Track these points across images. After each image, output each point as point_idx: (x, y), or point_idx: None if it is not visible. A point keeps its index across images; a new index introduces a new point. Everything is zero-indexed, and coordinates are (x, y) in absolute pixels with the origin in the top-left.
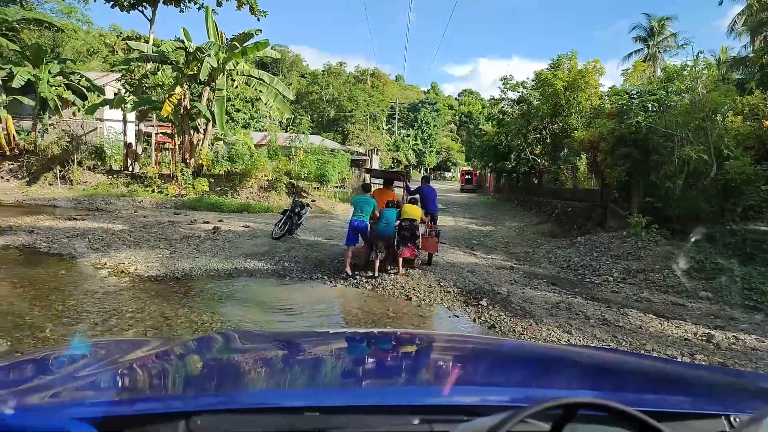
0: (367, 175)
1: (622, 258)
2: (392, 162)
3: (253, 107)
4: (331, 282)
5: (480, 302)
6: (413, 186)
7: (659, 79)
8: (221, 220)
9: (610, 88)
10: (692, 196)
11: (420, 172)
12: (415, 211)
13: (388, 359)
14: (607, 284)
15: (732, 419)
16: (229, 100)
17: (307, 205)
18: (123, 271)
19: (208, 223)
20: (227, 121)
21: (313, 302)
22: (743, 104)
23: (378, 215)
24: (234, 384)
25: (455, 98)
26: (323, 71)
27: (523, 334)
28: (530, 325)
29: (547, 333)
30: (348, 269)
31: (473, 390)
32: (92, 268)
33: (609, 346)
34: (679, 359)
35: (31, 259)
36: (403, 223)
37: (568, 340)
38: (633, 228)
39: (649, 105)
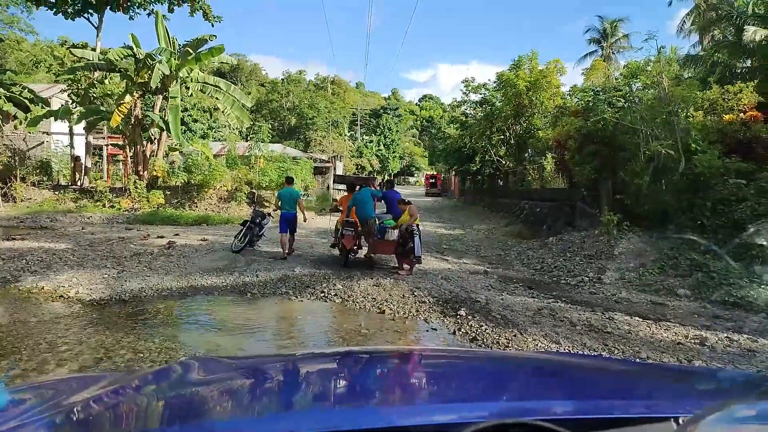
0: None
1: (595, 257)
2: (356, 168)
3: (211, 117)
4: (296, 297)
5: (458, 312)
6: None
7: (622, 75)
8: (177, 234)
9: (571, 87)
10: (661, 191)
11: (384, 177)
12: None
13: (358, 379)
14: (584, 285)
15: (680, 420)
16: (185, 110)
17: (269, 215)
18: (62, 296)
19: (162, 237)
20: (184, 132)
21: (278, 320)
22: (703, 99)
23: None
24: (194, 419)
25: (416, 104)
26: (283, 79)
27: (508, 347)
28: (515, 335)
29: (534, 344)
30: (284, 253)
31: (444, 408)
32: (27, 293)
33: (600, 354)
34: (674, 364)
35: None
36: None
37: (557, 351)
38: (604, 226)
39: (615, 101)
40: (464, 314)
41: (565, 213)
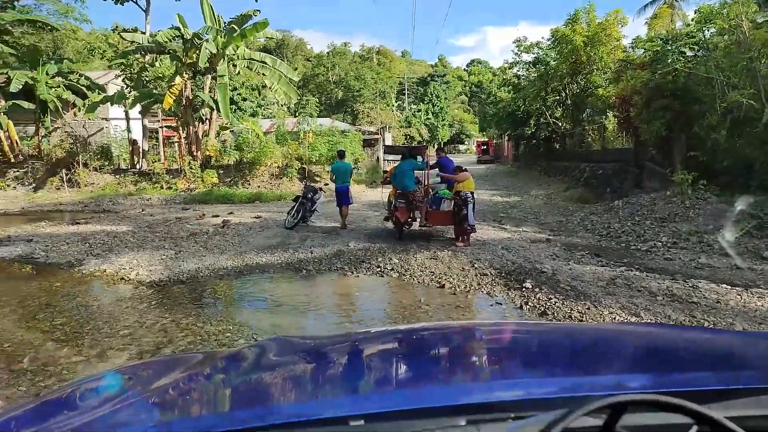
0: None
1: (668, 220)
2: (405, 138)
3: (260, 95)
4: (352, 272)
5: (523, 284)
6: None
7: (694, 21)
8: (231, 213)
9: (634, 39)
10: (742, 146)
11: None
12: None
13: (430, 356)
14: (657, 251)
15: None
16: (234, 89)
17: (321, 189)
18: (123, 278)
19: (217, 216)
20: (234, 111)
21: (335, 297)
22: None
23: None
24: (271, 398)
25: (464, 69)
26: (328, 53)
27: (581, 320)
28: (588, 308)
29: (610, 317)
30: (343, 225)
31: (519, 383)
32: (90, 277)
33: (677, 323)
34: None
35: (26, 272)
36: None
37: (638, 322)
38: (678, 186)
39: (687, 50)
40: (530, 286)
41: (632, 174)
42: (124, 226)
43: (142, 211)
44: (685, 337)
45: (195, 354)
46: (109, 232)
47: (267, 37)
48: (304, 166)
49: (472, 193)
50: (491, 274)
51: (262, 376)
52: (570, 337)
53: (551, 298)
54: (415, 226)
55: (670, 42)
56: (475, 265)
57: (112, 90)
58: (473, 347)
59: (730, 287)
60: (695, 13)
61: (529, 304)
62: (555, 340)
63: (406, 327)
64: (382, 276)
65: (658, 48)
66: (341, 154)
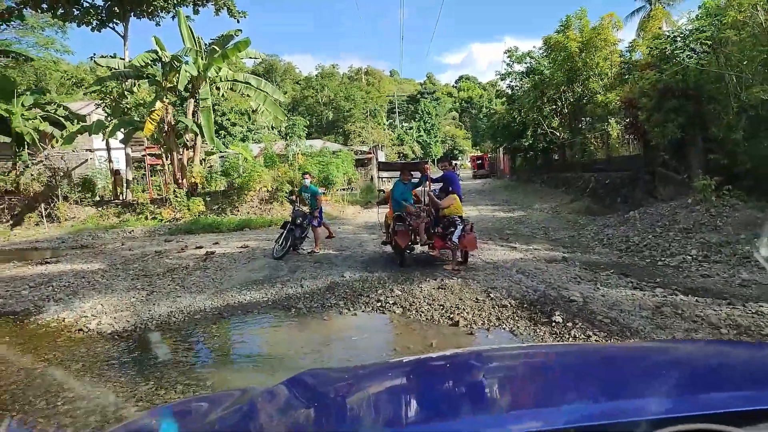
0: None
1: (694, 231)
2: (398, 156)
3: (250, 120)
4: (348, 309)
5: (552, 318)
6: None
7: (697, 18)
8: (217, 243)
9: (630, 42)
10: (766, 146)
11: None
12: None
13: (467, 385)
14: (689, 266)
15: None
16: (223, 114)
17: (311, 213)
18: (82, 329)
19: (201, 248)
20: (224, 136)
21: (329, 343)
22: None
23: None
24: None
25: (453, 85)
26: (316, 75)
27: None
28: None
29: None
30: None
31: (560, 410)
32: (45, 328)
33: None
34: None
35: None
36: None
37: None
38: (700, 193)
39: (697, 46)
40: (561, 320)
41: (643, 182)
42: (96, 263)
43: (122, 244)
44: (720, 351)
45: (233, 391)
46: (78, 272)
47: (250, 57)
48: (294, 189)
49: (460, 217)
50: (511, 305)
51: (300, 413)
52: (599, 358)
53: (590, 335)
54: (418, 248)
55: (679, 39)
56: (491, 295)
57: (95, 120)
58: (508, 373)
59: None
60: (699, 8)
61: (564, 343)
62: (583, 361)
63: (440, 354)
64: (384, 312)
65: (667, 45)
66: (306, 176)
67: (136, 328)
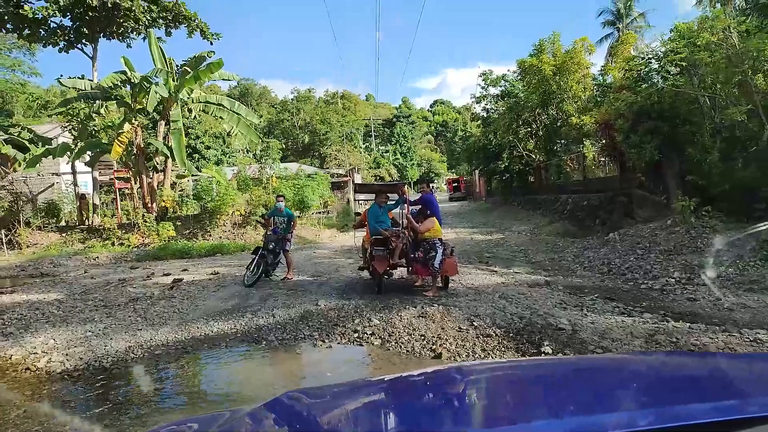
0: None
1: (675, 253)
2: (375, 179)
3: (224, 143)
4: (323, 341)
5: (541, 348)
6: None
7: (669, 40)
8: (185, 269)
9: (602, 66)
10: (741, 167)
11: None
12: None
13: (423, 405)
14: (673, 289)
15: None
16: (197, 137)
17: (285, 238)
18: (29, 368)
19: (168, 275)
20: (197, 159)
21: (301, 381)
22: None
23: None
24: None
25: (428, 110)
26: (292, 99)
27: None
28: None
29: None
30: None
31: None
32: None
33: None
34: None
35: None
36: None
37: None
38: (679, 214)
39: (671, 68)
40: (550, 351)
41: (620, 203)
42: (54, 293)
43: (85, 272)
44: (690, 363)
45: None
46: (33, 303)
47: (224, 78)
48: (265, 212)
49: (440, 239)
50: (497, 334)
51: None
52: (572, 372)
53: None
54: (396, 273)
55: (653, 61)
56: (475, 323)
57: (61, 143)
58: (488, 387)
59: None
60: (671, 31)
61: None
62: (556, 376)
63: (421, 371)
64: (361, 344)
65: (642, 67)
66: (277, 197)
67: (89, 367)
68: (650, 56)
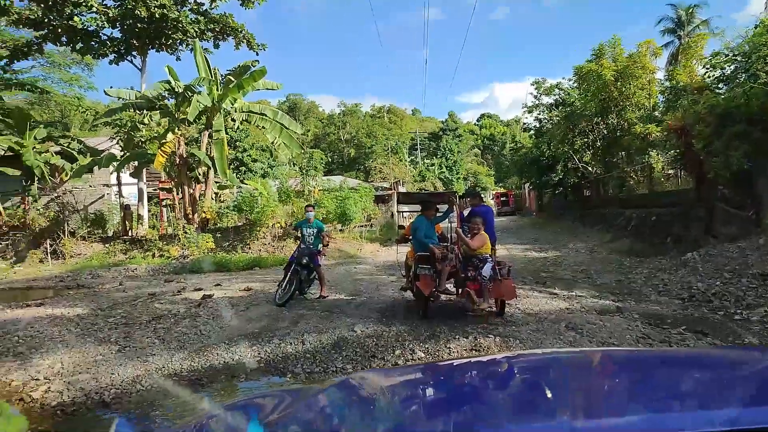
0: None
1: None
2: (420, 192)
3: (271, 156)
4: None
5: None
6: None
7: (761, 32)
8: (219, 284)
9: (669, 70)
10: None
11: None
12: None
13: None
14: None
15: None
16: (245, 150)
17: (319, 251)
18: (23, 398)
19: (200, 290)
20: (244, 172)
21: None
22: None
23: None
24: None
25: (475, 123)
26: (339, 113)
27: None
28: None
29: None
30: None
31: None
32: None
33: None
34: None
35: None
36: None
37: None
38: None
39: (760, 65)
40: None
41: (697, 219)
42: (80, 307)
43: (120, 284)
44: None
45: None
46: (54, 318)
47: (268, 88)
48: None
49: (490, 255)
50: None
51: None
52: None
53: None
54: (444, 297)
55: (740, 57)
56: None
57: (106, 153)
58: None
59: None
60: (755, 27)
61: None
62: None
63: (491, 357)
64: None
65: (729, 64)
66: (307, 207)
67: (88, 400)
68: (736, 53)
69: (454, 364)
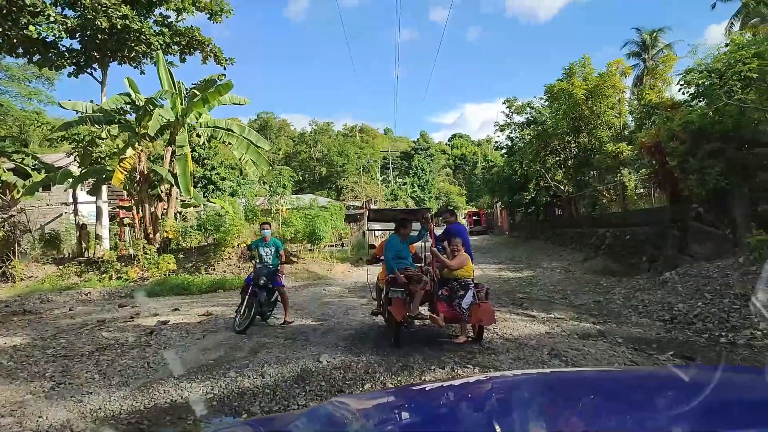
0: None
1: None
2: (393, 209)
3: (240, 174)
4: None
5: None
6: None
7: (732, 50)
8: (177, 309)
9: (638, 90)
10: None
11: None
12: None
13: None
14: (764, 345)
15: None
16: (213, 168)
17: (279, 271)
18: None
19: (156, 315)
20: (212, 190)
21: None
22: None
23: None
24: None
25: (446, 143)
26: (311, 131)
27: None
28: None
29: None
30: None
31: None
32: None
33: None
34: None
35: None
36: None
37: None
38: (753, 251)
39: (734, 82)
40: None
41: (672, 237)
42: (19, 337)
43: (69, 309)
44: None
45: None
46: None
47: (234, 102)
48: (245, 242)
49: (472, 279)
50: None
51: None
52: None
53: None
54: (417, 322)
55: (713, 74)
56: None
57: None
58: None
59: None
60: (726, 45)
61: None
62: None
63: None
64: None
65: (704, 80)
66: (262, 225)
67: None
68: (710, 69)
69: (427, 388)
